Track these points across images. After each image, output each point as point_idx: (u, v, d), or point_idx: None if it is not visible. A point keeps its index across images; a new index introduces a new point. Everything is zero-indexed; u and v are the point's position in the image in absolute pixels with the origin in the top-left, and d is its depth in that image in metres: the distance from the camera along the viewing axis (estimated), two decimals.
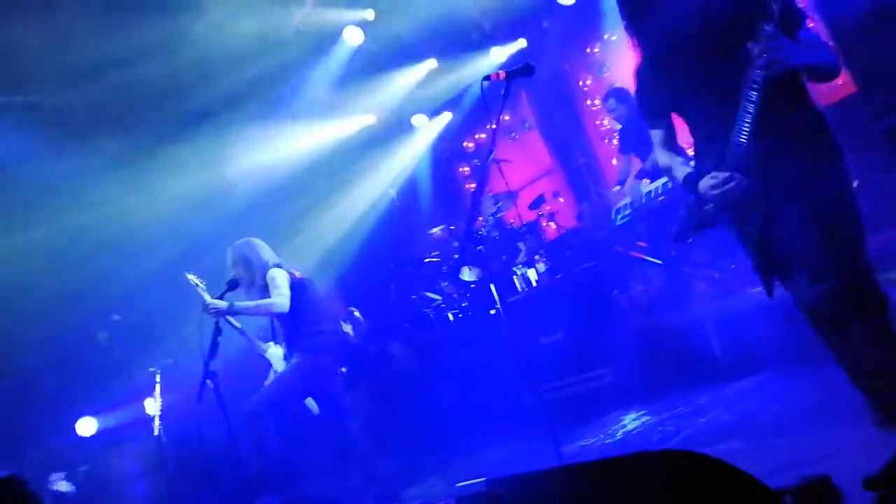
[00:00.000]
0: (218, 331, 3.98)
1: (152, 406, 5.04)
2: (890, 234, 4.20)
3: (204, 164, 6.54)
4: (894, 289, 3.49)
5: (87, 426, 5.72)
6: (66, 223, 5.75)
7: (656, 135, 2.31)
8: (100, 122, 5.94)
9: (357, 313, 6.84)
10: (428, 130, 8.84)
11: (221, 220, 6.38)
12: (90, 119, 5.91)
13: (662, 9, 2.03)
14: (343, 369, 4.66)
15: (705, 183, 2.05)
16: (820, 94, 6.94)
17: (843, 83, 5.82)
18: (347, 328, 6.79)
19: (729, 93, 1.94)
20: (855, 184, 6.30)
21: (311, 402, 4.24)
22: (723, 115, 1.97)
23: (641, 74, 2.24)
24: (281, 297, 4.02)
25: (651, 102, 2.26)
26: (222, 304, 3.95)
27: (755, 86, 1.88)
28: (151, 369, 5.12)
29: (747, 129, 1.91)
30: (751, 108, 1.89)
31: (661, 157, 2.32)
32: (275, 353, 4.27)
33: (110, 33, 5.12)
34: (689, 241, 2.25)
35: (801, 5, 2.08)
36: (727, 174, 1.98)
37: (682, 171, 2.22)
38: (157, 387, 5.02)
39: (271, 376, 4.31)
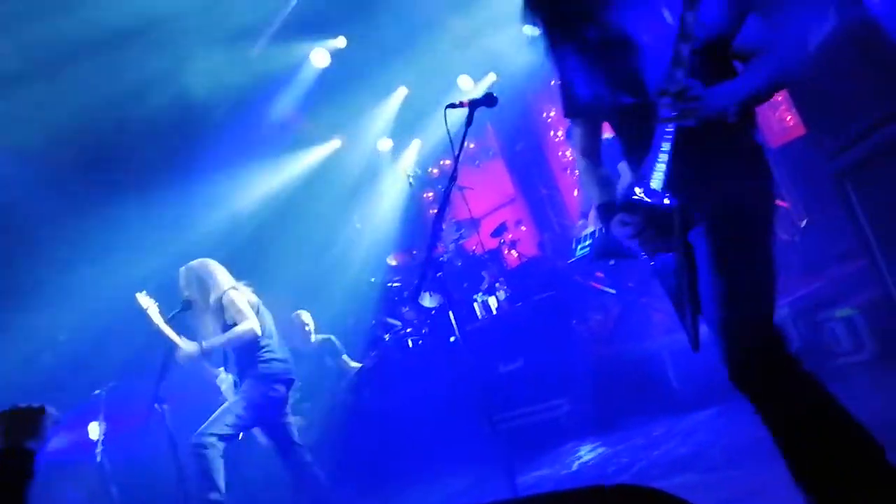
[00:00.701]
0: (169, 353, 3.87)
1: (96, 430, 4.83)
2: (837, 272, 4.33)
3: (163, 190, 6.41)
4: (842, 326, 3.60)
5: None
6: (12, 238, 5.58)
7: (576, 133, 2.10)
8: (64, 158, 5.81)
9: (308, 319, 6.64)
10: (393, 155, 8.88)
11: (178, 241, 6.27)
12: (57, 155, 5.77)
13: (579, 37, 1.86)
14: (296, 394, 4.56)
15: (616, 223, 1.87)
16: (773, 134, 7.11)
17: (794, 124, 6.07)
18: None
19: (647, 132, 1.73)
20: (804, 223, 6.49)
21: (257, 432, 4.12)
22: (641, 149, 1.76)
23: (562, 71, 1.98)
24: (248, 322, 3.89)
25: (572, 100, 2.01)
26: (192, 347, 3.82)
27: (668, 136, 1.68)
28: (97, 392, 4.92)
29: (662, 178, 1.70)
30: (664, 158, 1.69)
31: (580, 164, 2.12)
32: (225, 379, 4.13)
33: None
34: (611, 263, 2.15)
35: None
36: (638, 223, 1.80)
37: (598, 195, 2.04)
38: (102, 410, 4.82)
39: (227, 403, 4.17)
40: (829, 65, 2.45)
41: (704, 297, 1.76)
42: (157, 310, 3.95)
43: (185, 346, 3.81)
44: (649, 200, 1.74)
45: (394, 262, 7.14)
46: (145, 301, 3.96)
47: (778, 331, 1.70)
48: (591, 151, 2.08)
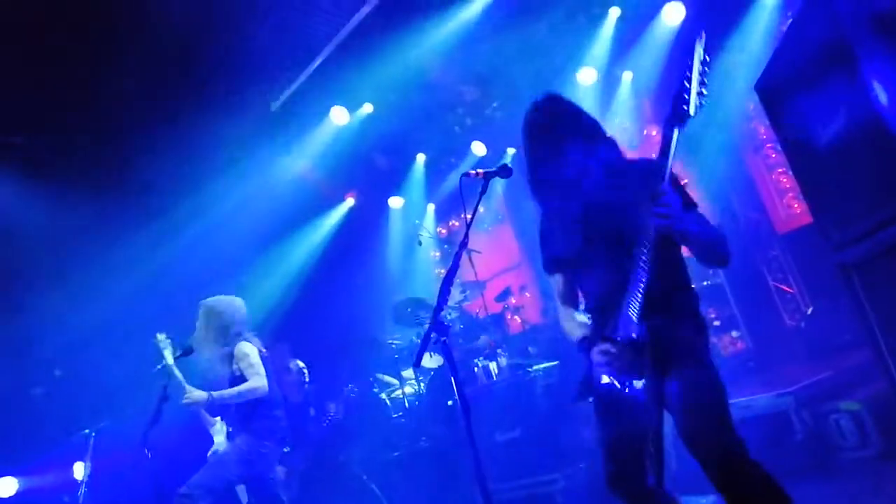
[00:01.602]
0: (164, 397, 3.81)
1: (81, 471, 4.73)
2: (843, 362, 4.30)
3: (160, 229, 6.46)
4: (847, 419, 3.55)
5: (6, 486, 5.33)
6: (12, 266, 5.61)
7: (555, 282, 2.47)
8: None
9: (304, 367, 6.55)
10: (403, 212, 9.00)
11: (174, 278, 6.29)
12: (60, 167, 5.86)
13: (557, 177, 2.26)
14: (286, 449, 4.46)
15: (596, 353, 2.15)
16: (779, 220, 7.18)
17: (801, 212, 6.14)
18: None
19: (620, 267, 2.06)
20: (809, 310, 6.47)
21: (241, 490, 4.02)
22: (615, 288, 2.08)
23: (543, 228, 2.49)
24: (260, 380, 3.83)
25: (549, 256, 2.46)
26: (201, 395, 3.75)
27: (646, 249, 1.97)
28: (86, 431, 4.85)
29: (638, 304, 2.00)
30: (643, 277, 1.98)
31: (560, 311, 2.47)
32: (220, 430, 4.06)
33: None
34: (589, 400, 2.29)
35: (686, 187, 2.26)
36: (617, 348, 2.08)
37: (577, 333, 2.35)
38: (90, 451, 4.73)
39: (218, 455, 4.08)
40: (837, 160, 2.51)
41: (678, 414, 2.03)
42: (171, 352, 3.90)
43: (194, 393, 3.75)
44: (628, 335, 2.04)
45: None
46: (164, 342, 3.92)
47: (738, 438, 1.99)
48: (571, 300, 2.45)
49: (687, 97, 1.95)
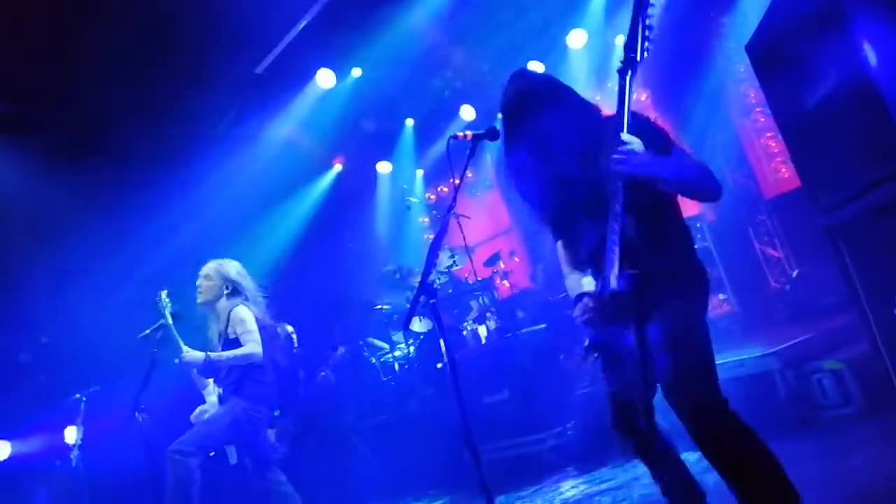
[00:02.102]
0: (154, 361, 3.83)
1: (73, 435, 4.76)
2: (826, 324, 4.37)
3: (148, 199, 6.39)
4: (830, 378, 3.62)
5: None
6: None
7: (560, 250, 2.49)
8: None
9: (292, 332, 6.60)
10: (392, 178, 8.94)
11: (163, 246, 6.25)
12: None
13: (536, 137, 2.24)
14: (276, 412, 4.50)
15: (578, 309, 2.20)
16: (767, 184, 7.20)
17: (789, 176, 6.17)
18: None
19: (602, 224, 2.05)
20: (795, 273, 6.54)
21: (231, 451, 4.06)
22: (601, 244, 2.07)
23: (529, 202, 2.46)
24: (255, 346, 3.85)
25: (547, 218, 2.45)
26: (199, 355, 3.76)
27: (616, 200, 1.98)
28: (77, 395, 4.86)
29: (616, 256, 2.00)
30: (616, 229, 1.98)
31: (564, 269, 2.48)
32: (213, 391, 4.09)
33: None
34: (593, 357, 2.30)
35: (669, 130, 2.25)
36: (596, 302, 2.11)
37: (574, 290, 2.37)
38: (81, 415, 4.75)
39: (209, 415, 4.11)
40: (826, 122, 2.50)
41: (660, 365, 2.03)
42: (170, 311, 3.89)
43: (191, 353, 3.77)
44: (609, 287, 2.04)
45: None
46: (165, 301, 3.90)
47: (719, 392, 2.00)
48: (573, 263, 2.44)
49: (634, 44, 2.03)
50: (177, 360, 3.75)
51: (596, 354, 2.24)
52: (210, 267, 4.09)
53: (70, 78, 5.30)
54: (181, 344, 3.79)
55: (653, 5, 2.06)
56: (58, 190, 5.71)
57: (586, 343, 2.26)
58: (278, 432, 6.09)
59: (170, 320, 3.83)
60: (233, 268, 4.11)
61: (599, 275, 2.15)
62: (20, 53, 4.96)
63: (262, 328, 4.00)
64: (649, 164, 2.01)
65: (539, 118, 2.23)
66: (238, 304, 3.99)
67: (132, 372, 4.05)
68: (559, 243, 2.51)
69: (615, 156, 1.98)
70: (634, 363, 2.04)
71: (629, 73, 2.05)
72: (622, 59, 2.06)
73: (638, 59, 2.04)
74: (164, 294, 3.92)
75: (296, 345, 6.53)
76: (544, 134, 2.23)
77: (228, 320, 3.95)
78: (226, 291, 4.03)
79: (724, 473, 2.00)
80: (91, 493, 4.84)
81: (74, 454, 4.58)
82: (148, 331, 3.94)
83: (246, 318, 3.92)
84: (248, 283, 4.12)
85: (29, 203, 5.70)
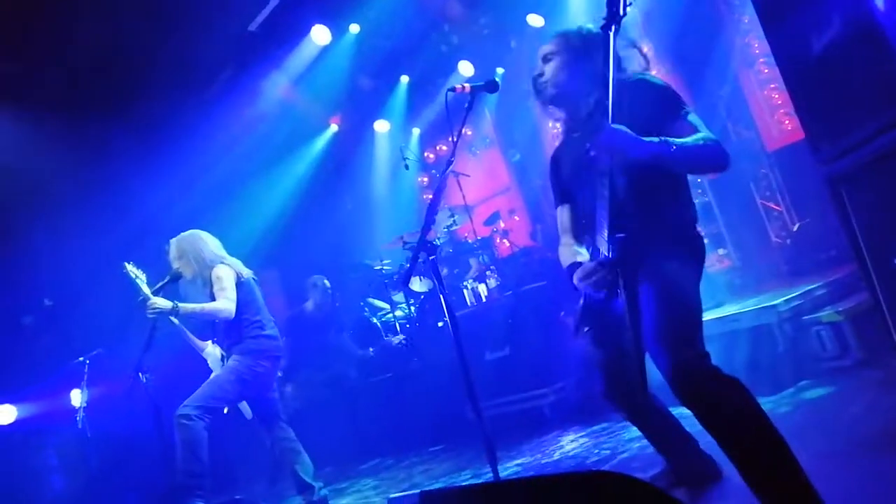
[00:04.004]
0: (156, 323, 3.85)
1: (78, 398, 4.82)
2: (826, 277, 4.36)
3: (151, 153, 6.34)
4: (828, 330, 3.62)
5: (4, 414, 5.44)
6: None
7: (560, 212, 2.51)
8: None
9: (326, 282, 6.78)
10: (390, 137, 8.85)
11: (165, 208, 6.22)
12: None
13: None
14: (279, 373, 4.55)
15: (577, 275, 2.17)
16: (770, 138, 7.08)
17: (792, 129, 6.08)
18: (309, 304, 6.74)
19: (595, 192, 2.05)
20: (796, 227, 6.50)
21: (244, 406, 4.12)
22: (592, 209, 2.08)
23: (553, 157, 2.55)
24: (227, 302, 3.90)
25: (554, 185, 2.53)
26: (166, 304, 3.79)
27: (603, 180, 1.98)
28: (80, 359, 4.91)
29: (606, 222, 2.00)
30: (604, 201, 1.98)
31: (561, 237, 2.49)
32: (212, 352, 4.12)
33: None
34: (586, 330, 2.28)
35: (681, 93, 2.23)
36: (588, 268, 2.11)
37: (566, 260, 2.38)
38: (85, 378, 4.80)
39: (213, 376, 4.15)
40: (831, 69, 2.45)
41: (646, 327, 2.02)
42: (144, 280, 3.93)
43: (159, 302, 3.79)
44: (599, 253, 2.07)
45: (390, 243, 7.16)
46: (134, 272, 3.93)
47: (702, 349, 1.98)
48: (571, 230, 2.48)
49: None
50: (147, 312, 3.76)
51: (587, 328, 2.26)
52: (173, 249, 4.12)
53: (60, 36, 5.19)
54: (148, 293, 3.83)
55: None
56: (57, 152, 5.66)
57: (578, 311, 2.29)
58: (295, 386, 6.21)
59: (150, 296, 3.83)
60: (199, 237, 4.13)
61: (592, 241, 2.16)
62: (9, 8, 4.85)
63: (242, 284, 4.05)
64: (639, 146, 1.96)
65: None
66: (217, 265, 4.04)
67: (136, 334, 4.08)
68: (559, 209, 2.51)
69: (591, 149, 1.99)
70: (625, 330, 2.04)
71: (613, 28, 2.00)
72: (604, 14, 2.02)
73: (621, 13, 1.99)
74: (130, 266, 3.96)
75: (332, 296, 6.74)
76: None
77: (210, 283, 4.02)
78: (199, 261, 4.06)
79: (712, 432, 1.96)
80: (98, 454, 4.93)
81: (80, 416, 4.65)
82: (157, 286, 3.97)
83: (222, 275, 3.98)
84: (215, 248, 4.13)
85: (29, 165, 5.66)
